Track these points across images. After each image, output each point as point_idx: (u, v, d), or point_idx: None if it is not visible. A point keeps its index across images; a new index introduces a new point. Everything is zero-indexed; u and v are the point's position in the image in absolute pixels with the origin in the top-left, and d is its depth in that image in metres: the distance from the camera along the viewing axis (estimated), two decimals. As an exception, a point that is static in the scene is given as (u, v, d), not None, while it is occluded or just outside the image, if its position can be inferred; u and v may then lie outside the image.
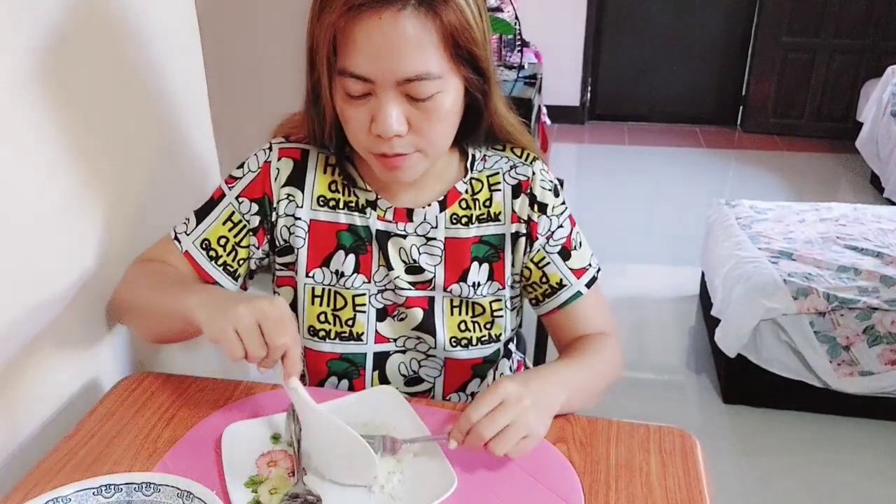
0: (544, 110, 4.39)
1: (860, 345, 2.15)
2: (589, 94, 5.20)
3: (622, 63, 5.15)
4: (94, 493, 0.76)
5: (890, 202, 3.69)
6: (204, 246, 1.01)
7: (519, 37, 3.37)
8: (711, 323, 2.47)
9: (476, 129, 0.98)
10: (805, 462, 2.12)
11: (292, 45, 0.94)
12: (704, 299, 2.78)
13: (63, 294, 1.00)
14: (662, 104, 5.22)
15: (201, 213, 1.02)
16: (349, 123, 0.89)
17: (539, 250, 1.04)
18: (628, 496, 0.82)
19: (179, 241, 1.02)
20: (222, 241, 1.01)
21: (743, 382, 2.33)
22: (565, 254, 1.05)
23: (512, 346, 1.15)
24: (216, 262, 1.01)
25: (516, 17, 3.26)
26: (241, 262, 1.03)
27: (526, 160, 1.04)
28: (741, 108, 5.08)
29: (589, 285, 1.06)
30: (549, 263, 1.04)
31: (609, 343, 1.04)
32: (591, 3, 4.91)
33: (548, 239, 1.03)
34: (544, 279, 1.05)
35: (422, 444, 0.86)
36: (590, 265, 1.07)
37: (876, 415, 2.24)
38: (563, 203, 1.05)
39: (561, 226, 1.04)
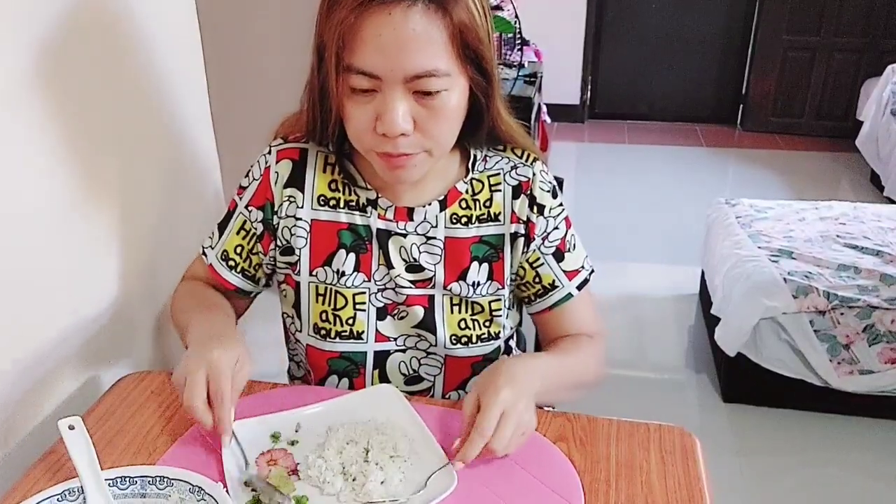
0: (544, 109, 4.38)
1: (860, 343, 2.15)
2: (589, 93, 5.20)
3: (622, 61, 5.15)
4: (109, 485, 0.78)
5: (890, 201, 3.69)
6: (223, 257, 1.05)
7: (519, 35, 3.37)
8: (711, 322, 2.46)
9: (478, 130, 0.98)
10: (805, 461, 2.12)
11: (293, 44, 0.94)
12: (704, 298, 2.78)
13: (62, 293, 1.00)
14: (662, 103, 5.22)
15: (221, 226, 1.07)
16: (352, 121, 0.89)
17: (535, 251, 1.04)
18: (628, 495, 0.82)
19: (206, 256, 1.07)
20: (238, 250, 1.05)
21: (743, 381, 2.33)
22: (559, 255, 1.06)
23: (512, 343, 1.15)
24: (235, 270, 1.05)
25: (516, 16, 3.26)
26: (258, 267, 1.06)
27: (527, 161, 1.04)
28: (741, 106, 5.07)
29: (580, 287, 1.07)
30: (543, 264, 1.05)
31: (592, 345, 1.07)
32: (591, 2, 4.91)
33: (543, 240, 1.04)
34: (537, 279, 1.06)
35: (423, 443, 0.86)
36: (583, 267, 1.08)
37: (876, 413, 2.24)
38: (561, 205, 1.06)
39: (557, 227, 1.05)
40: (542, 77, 3.98)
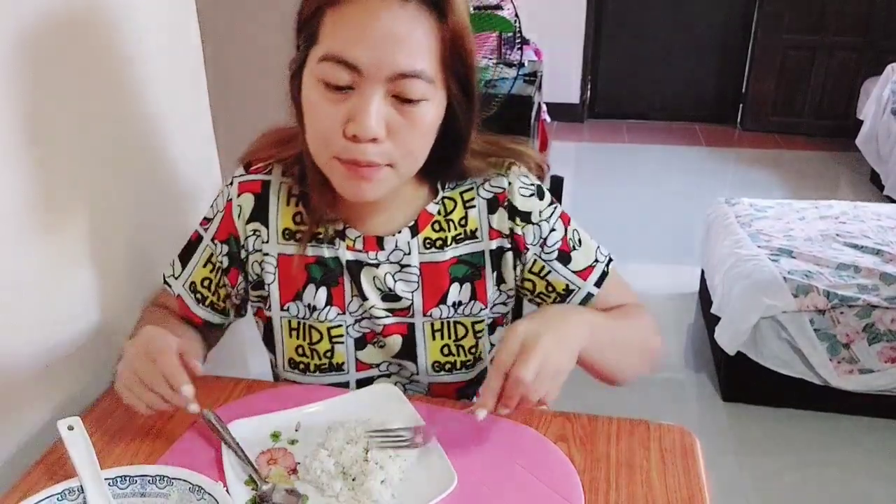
0: (544, 108, 4.38)
1: (860, 342, 2.15)
2: (589, 92, 5.20)
3: (622, 61, 5.15)
4: (109, 484, 0.77)
5: (890, 200, 3.69)
6: (191, 289, 1.03)
7: (519, 34, 3.36)
8: (711, 321, 2.46)
9: (454, 157, 0.92)
10: (804, 460, 2.12)
11: (294, 45, 0.93)
12: (704, 297, 2.78)
13: (61, 294, 1.00)
14: (662, 102, 5.22)
15: (184, 257, 1.04)
16: (319, 121, 0.82)
17: (536, 260, 0.98)
18: (628, 494, 0.82)
19: (171, 286, 1.04)
20: (206, 283, 1.02)
21: (742, 380, 2.33)
22: (564, 257, 0.99)
23: None
24: (203, 304, 1.03)
25: (516, 15, 3.26)
26: (226, 299, 1.04)
27: (501, 168, 0.97)
28: (741, 105, 5.07)
29: (599, 283, 1.00)
30: (550, 271, 0.99)
31: (641, 311, 1.01)
32: (590, 1, 4.91)
33: (542, 247, 0.98)
34: (550, 288, 1.00)
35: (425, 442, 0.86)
36: (596, 261, 1.00)
37: (876, 412, 2.24)
38: (552, 203, 0.99)
39: (553, 229, 0.98)
40: (541, 76, 3.98)
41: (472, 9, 2.91)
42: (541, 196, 0.98)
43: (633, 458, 0.87)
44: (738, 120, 5.11)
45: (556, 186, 1.33)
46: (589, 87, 5.17)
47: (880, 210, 2.77)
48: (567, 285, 0.99)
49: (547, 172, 1.06)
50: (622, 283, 1.03)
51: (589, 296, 0.99)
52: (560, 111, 5.03)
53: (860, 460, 2.11)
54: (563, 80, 5.00)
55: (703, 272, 2.85)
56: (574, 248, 0.99)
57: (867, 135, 4.06)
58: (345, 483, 0.81)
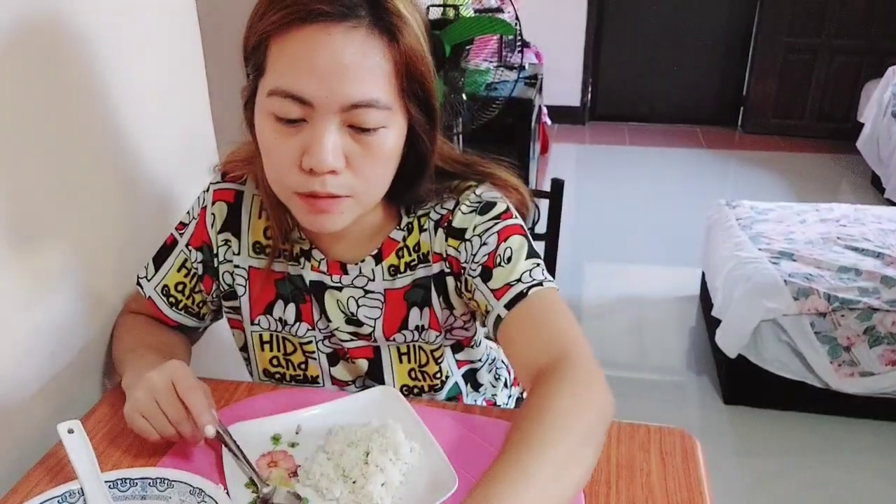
0: (545, 111, 4.39)
1: (861, 345, 2.15)
2: (589, 95, 5.20)
3: (623, 63, 5.16)
4: (110, 487, 0.77)
5: (890, 203, 3.69)
6: (164, 292, 1.02)
7: (519, 37, 3.37)
8: (712, 323, 2.46)
9: (417, 181, 0.88)
10: (806, 463, 2.12)
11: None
12: (705, 300, 2.78)
13: (62, 293, 1.00)
14: (663, 104, 5.22)
15: (158, 260, 1.03)
16: (274, 155, 0.79)
17: (469, 281, 0.90)
18: (629, 497, 0.82)
19: (142, 287, 1.03)
20: (180, 287, 1.02)
21: (743, 383, 2.33)
22: (486, 273, 0.88)
23: (486, 377, 1.09)
24: (177, 308, 1.02)
25: (517, 18, 3.26)
26: (201, 304, 1.04)
27: (458, 190, 0.93)
28: (742, 108, 5.08)
29: (510, 305, 0.85)
30: (476, 290, 0.89)
31: (556, 399, 0.74)
32: (591, 4, 4.92)
33: (471, 264, 0.90)
34: (480, 309, 0.91)
35: (424, 445, 0.86)
36: (518, 281, 0.86)
37: (876, 415, 2.24)
38: (496, 218, 0.90)
39: (485, 243, 0.89)
40: (542, 79, 3.99)
41: (473, 12, 2.91)
42: (484, 211, 0.90)
43: (633, 462, 0.87)
44: (739, 122, 5.12)
45: (557, 189, 1.33)
46: (590, 89, 5.18)
47: (881, 213, 2.77)
48: (486, 305, 0.88)
49: (532, 207, 0.99)
50: (554, 317, 0.84)
51: (498, 319, 0.86)
52: (561, 114, 5.04)
53: (861, 463, 2.11)
54: (563, 82, 5.01)
55: (703, 275, 2.85)
56: (499, 265, 0.88)
57: (868, 137, 4.06)
58: (345, 486, 0.81)
